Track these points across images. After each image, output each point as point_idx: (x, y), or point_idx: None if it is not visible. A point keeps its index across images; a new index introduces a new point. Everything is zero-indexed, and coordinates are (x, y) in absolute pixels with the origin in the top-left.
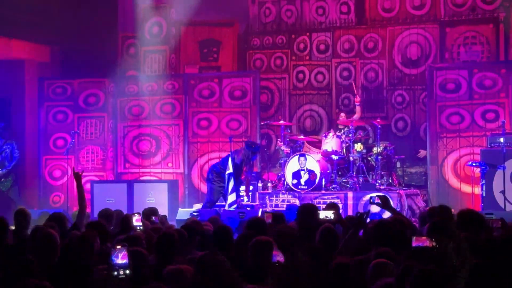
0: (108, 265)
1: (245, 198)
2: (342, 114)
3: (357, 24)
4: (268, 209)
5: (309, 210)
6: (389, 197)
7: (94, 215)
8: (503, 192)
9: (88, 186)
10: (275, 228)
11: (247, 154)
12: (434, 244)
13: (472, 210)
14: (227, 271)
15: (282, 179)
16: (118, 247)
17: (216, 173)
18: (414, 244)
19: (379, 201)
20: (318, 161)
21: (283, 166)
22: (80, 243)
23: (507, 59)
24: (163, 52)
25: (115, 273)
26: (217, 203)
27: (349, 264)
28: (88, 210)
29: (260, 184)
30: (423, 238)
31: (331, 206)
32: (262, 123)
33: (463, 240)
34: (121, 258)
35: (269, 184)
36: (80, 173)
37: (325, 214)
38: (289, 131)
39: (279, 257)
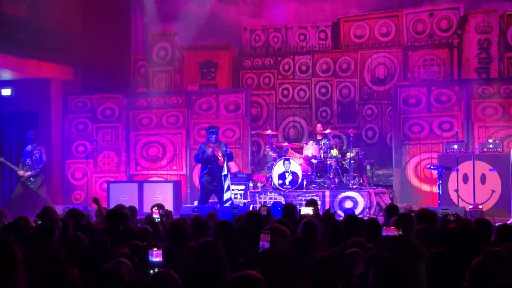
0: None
1: (238, 196)
2: (319, 125)
3: (333, 48)
4: (258, 206)
5: (290, 208)
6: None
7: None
8: (456, 191)
9: (105, 185)
10: (269, 220)
11: (208, 137)
12: (400, 233)
13: (426, 209)
14: (221, 256)
15: (270, 179)
16: (154, 249)
17: (201, 168)
18: (383, 233)
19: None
20: (300, 164)
21: (270, 168)
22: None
23: (460, 78)
24: (169, 72)
25: (150, 271)
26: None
27: (328, 256)
28: (104, 205)
29: (251, 184)
30: (391, 228)
31: (310, 203)
32: (252, 132)
33: (419, 231)
34: (155, 257)
35: (259, 184)
36: (98, 198)
37: (306, 211)
38: (275, 139)
39: (266, 245)
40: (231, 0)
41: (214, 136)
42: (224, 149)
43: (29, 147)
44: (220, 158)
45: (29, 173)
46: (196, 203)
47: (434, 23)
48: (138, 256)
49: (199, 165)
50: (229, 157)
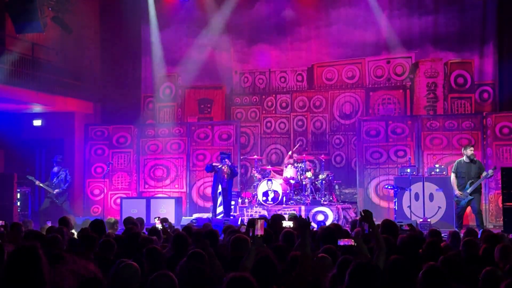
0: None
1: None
2: (295, 154)
3: (308, 88)
4: (245, 218)
5: (278, 218)
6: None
7: (121, 221)
8: (409, 207)
9: (118, 201)
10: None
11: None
12: (354, 243)
13: (391, 220)
14: (215, 262)
15: (255, 196)
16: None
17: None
18: (340, 243)
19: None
20: (281, 184)
21: (256, 187)
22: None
23: (412, 114)
24: (172, 107)
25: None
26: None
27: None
28: (117, 217)
29: (240, 200)
30: (347, 239)
31: (292, 217)
32: (241, 157)
33: (382, 241)
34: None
35: (246, 200)
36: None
37: (287, 224)
38: (260, 163)
39: (260, 231)
40: (224, 48)
41: (226, 160)
42: (231, 168)
43: (55, 169)
44: (224, 171)
45: (57, 190)
46: (194, 215)
47: (390, 68)
48: (152, 259)
49: (198, 185)
50: (233, 173)
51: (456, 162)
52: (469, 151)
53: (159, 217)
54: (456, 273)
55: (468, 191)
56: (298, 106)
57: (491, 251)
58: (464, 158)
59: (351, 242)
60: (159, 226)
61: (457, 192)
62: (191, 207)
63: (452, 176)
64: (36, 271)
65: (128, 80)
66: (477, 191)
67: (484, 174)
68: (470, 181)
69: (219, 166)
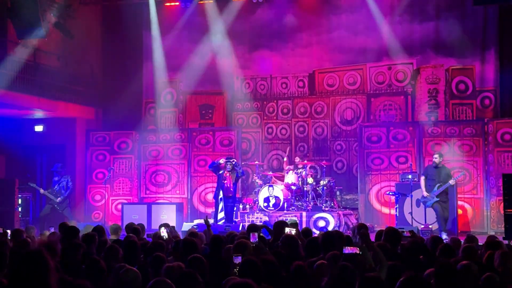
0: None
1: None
2: (297, 158)
3: (310, 94)
4: (246, 224)
5: (280, 224)
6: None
7: (123, 226)
8: (411, 213)
9: (119, 206)
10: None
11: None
12: (358, 252)
13: (395, 228)
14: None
15: (256, 202)
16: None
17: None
18: (345, 251)
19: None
20: (282, 190)
21: (257, 193)
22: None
23: (413, 120)
24: (174, 112)
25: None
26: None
27: (304, 265)
28: (119, 223)
29: (241, 206)
30: (352, 247)
31: (293, 224)
32: (242, 163)
33: (377, 248)
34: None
35: (247, 206)
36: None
37: (289, 230)
38: (261, 168)
39: (238, 260)
40: (226, 54)
41: (229, 165)
42: (237, 172)
43: (56, 178)
44: (226, 176)
45: (59, 199)
46: (195, 221)
47: (392, 75)
48: (155, 266)
49: (199, 191)
50: (241, 173)
51: (427, 166)
52: (434, 158)
53: (165, 224)
54: (452, 280)
55: (435, 193)
56: (299, 112)
57: (492, 257)
58: (432, 162)
59: (356, 250)
60: (164, 235)
61: (424, 193)
62: (192, 213)
63: (422, 178)
64: (41, 277)
65: (130, 85)
66: (446, 197)
67: (450, 181)
68: (438, 184)
69: (220, 172)
